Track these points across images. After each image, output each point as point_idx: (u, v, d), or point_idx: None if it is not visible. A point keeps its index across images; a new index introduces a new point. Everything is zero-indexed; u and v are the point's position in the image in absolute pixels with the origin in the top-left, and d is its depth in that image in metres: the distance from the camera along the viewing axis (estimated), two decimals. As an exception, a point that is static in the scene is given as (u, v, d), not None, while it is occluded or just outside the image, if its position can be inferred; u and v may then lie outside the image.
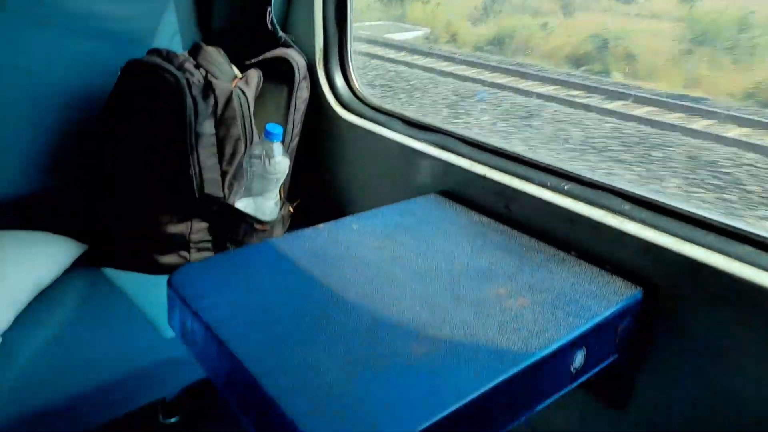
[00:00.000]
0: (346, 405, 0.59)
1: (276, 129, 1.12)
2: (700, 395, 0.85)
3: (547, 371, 0.72)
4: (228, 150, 1.14)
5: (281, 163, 1.16)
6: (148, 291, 1.18)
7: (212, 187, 1.16)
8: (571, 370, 0.77)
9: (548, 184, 1.01)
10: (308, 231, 0.95)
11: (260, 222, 1.20)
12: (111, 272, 1.24)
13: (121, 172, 1.21)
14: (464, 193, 1.11)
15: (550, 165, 1.04)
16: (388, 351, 0.68)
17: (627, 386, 0.94)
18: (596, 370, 0.82)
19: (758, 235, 0.82)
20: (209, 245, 1.24)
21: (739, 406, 0.81)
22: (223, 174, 1.16)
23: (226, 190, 1.18)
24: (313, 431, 0.56)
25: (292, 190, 1.43)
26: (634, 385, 0.94)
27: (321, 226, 0.97)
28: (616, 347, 0.84)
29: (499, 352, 0.69)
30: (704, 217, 0.87)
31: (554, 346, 0.72)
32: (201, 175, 1.14)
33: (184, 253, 1.23)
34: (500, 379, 0.65)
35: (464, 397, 0.62)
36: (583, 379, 0.81)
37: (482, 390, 0.64)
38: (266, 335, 0.69)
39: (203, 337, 0.71)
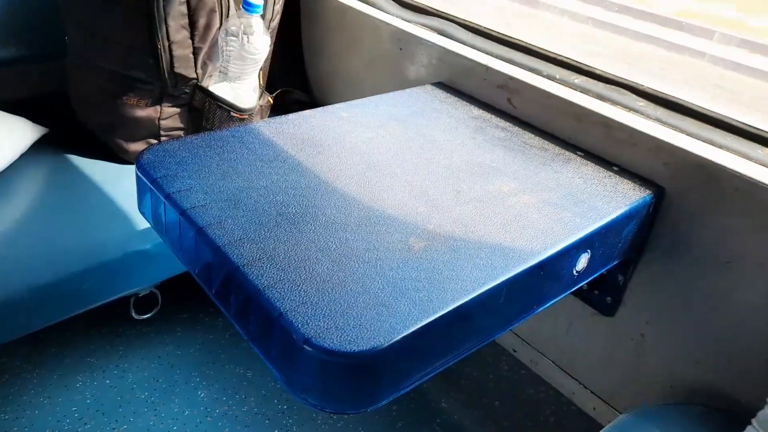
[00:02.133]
0: (340, 299, 0.54)
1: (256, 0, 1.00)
2: (696, 305, 0.83)
3: (551, 273, 0.68)
4: (201, 22, 1.01)
5: (261, 42, 1.04)
6: (116, 180, 1.09)
7: (183, 66, 1.04)
8: (574, 273, 0.73)
9: (556, 76, 0.92)
10: (292, 116, 0.86)
11: (238, 110, 1.09)
12: (74, 159, 1.14)
13: (81, 44, 1.08)
14: (463, 84, 1.02)
15: (558, 56, 0.95)
16: (384, 245, 0.62)
17: (619, 294, 0.92)
18: (597, 274, 0.78)
19: (783, 138, 0.76)
20: (181, 134, 1.14)
21: (739, 319, 0.79)
22: (196, 51, 1.04)
23: (200, 71, 1.06)
24: (305, 325, 0.50)
25: (271, 80, 1.31)
26: (625, 293, 0.92)
27: (307, 112, 0.88)
28: (619, 252, 0.80)
29: (503, 250, 0.64)
30: (724, 117, 0.81)
31: (560, 247, 0.67)
32: (171, 51, 1.01)
33: (154, 141, 1.13)
34: (505, 277, 0.60)
35: (467, 295, 0.57)
36: (583, 283, 0.77)
37: (485, 288, 0.59)
38: (248, 223, 0.62)
39: (177, 223, 0.64)
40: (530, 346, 1.10)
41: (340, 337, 0.50)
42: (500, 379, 1.20)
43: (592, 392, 1.02)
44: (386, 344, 0.51)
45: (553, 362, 1.07)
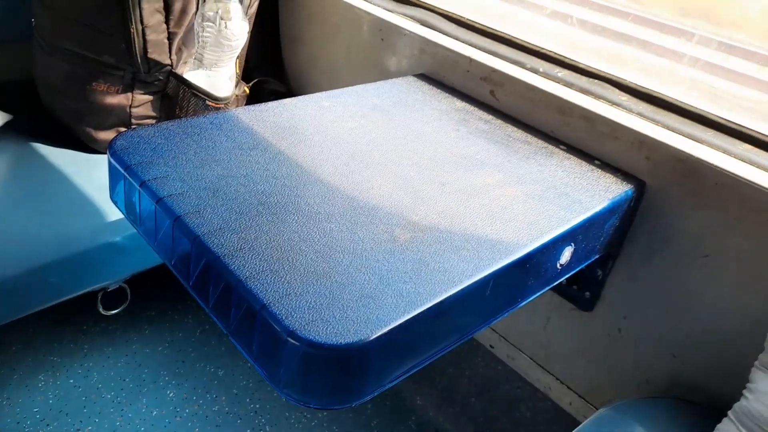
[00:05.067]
0: (325, 290, 0.52)
1: (234, -15, 0.97)
2: (673, 299, 0.84)
3: (536, 265, 0.67)
4: (177, 6, 0.98)
5: (238, 28, 1.01)
6: (84, 170, 1.05)
7: (157, 52, 1.00)
8: (557, 266, 0.72)
9: (540, 70, 0.92)
10: (272, 104, 0.83)
11: (213, 99, 1.06)
12: (40, 147, 1.09)
13: (49, 27, 1.03)
14: (445, 76, 1.01)
15: (542, 49, 0.94)
16: (369, 236, 0.60)
17: (598, 289, 0.92)
18: (579, 268, 0.78)
19: (761, 134, 0.77)
20: (154, 122, 1.10)
21: (716, 312, 0.79)
22: (171, 36, 1.00)
23: (174, 57, 1.02)
24: (289, 317, 0.48)
25: (247, 69, 1.28)
26: (604, 288, 0.92)
27: (287, 100, 0.86)
28: (600, 246, 0.80)
29: (489, 242, 0.63)
30: (705, 112, 0.81)
31: (545, 240, 0.66)
32: (144, 35, 0.97)
33: (124, 130, 1.08)
34: (491, 269, 0.59)
35: (453, 287, 0.56)
36: (565, 277, 0.77)
37: (472, 280, 0.57)
38: (228, 212, 0.59)
39: (153, 212, 0.61)
40: (507, 342, 1.09)
41: (326, 329, 0.48)
42: (476, 375, 1.20)
43: (568, 387, 1.02)
44: (373, 337, 0.49)
45: (530, 358, 1.06)
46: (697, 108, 0.81)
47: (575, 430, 0.73)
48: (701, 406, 0.81)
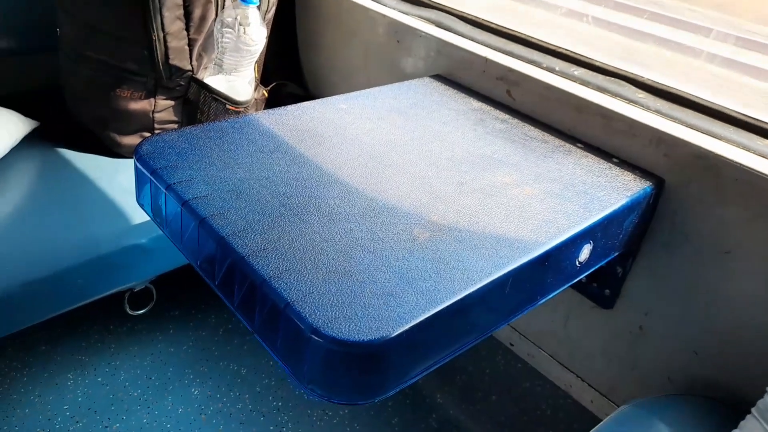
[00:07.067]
0: (346, 289, 0.53)
1: (253, -9, 0.98)
2: (695, 296, 0.83)
3: (554, 263, 0.68)
4: (196, 14, 1.00)
5: (257, 34, 1.02)
6: (109, 174, 1.08)
7: (178, 58, 1.02)
8: (576, 264, 0.73)
9: (556, 68, 0.92)
10: (292, 108, 0.85)
11: (233, 103, 1.08)
12: (66, 153, 1.12)
13: (74, 36, 1.06)
14: (461, 77, 1.02)
15: (558, 47, 0.95)
16: (389, 235, 0.61)
17: (618, 286, 0.92)
18: (598, 266, 0.78)
19: (782, 129, 0.77)
20: (176, 127, 1.12)
21: (738, 309, 0.79)
22: (191, 43, 1.02)
23: (195, 63, 1.04)
24: (312, 314, 0.49)
25: (266, 72, 1.30)
26: (624, 285, 0.92)
27: (306, 103, 0.87)
28: (619, 244, 0.80)
29: (508, 241, 0.64)
30: (723, 108, 0.81)
31: (564, 238, 0.67)
32: (165, 42, 1.00)
33: (147, 135, 1.11)
34: (510, 267, 0.60)
35: (473, 285, 0.57)
36: (584, 275, 0.77)
37: (491, 278, 0.58)
38: (251, 213, 0.61)
39: (179, 214, 0.62)
40: (527, 340, 1.09)
41: (348, 326, 0.49)
42: (496, 374, 1.20)
43: (589, 385, 1.02)
44: (394, 334, 0.50)
45: (550, 356, 1.07)
46: (715, 104, 0.81)
47: (596, 427, 0.73)
48: (724, 403, 0.80)
